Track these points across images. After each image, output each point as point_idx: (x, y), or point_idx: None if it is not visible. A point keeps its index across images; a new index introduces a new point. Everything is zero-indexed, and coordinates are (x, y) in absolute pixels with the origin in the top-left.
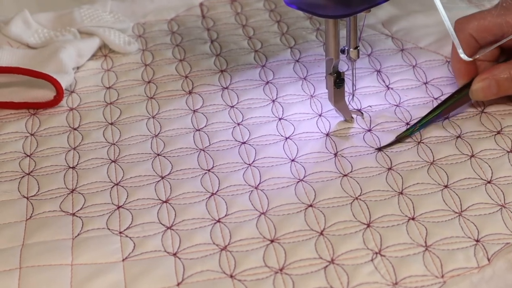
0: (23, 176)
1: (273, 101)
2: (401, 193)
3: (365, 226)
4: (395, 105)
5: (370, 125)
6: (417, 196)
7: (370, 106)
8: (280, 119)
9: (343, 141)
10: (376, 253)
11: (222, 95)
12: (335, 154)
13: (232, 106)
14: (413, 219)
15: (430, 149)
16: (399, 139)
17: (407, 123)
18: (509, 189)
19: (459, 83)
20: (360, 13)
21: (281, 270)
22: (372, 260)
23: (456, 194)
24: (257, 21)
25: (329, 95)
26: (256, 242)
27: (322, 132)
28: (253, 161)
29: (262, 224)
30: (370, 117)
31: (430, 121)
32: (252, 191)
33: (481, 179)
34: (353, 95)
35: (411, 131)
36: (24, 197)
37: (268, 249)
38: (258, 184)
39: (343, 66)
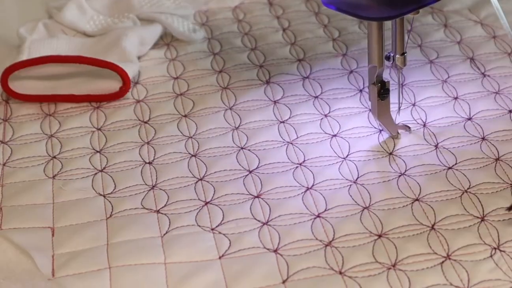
0: (96, 173)
1: (360, 91)
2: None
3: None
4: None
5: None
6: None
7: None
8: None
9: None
10: (495, 248)
11: (303, 84)
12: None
13: (316, 97)
14: None
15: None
16: None
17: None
18: None
19: None
20: (407, 15)
21: (394, 266)
22: (491, 256)
23: None
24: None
25: (372, 108)
26: (363, 237)
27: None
28: (348, 155)
29: (367, 219)
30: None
31: None
32: (351, 185)
33: None
34: (399, 108)
35: None
36: (100, 194)
37: (377, 245)
38: (357, 179)
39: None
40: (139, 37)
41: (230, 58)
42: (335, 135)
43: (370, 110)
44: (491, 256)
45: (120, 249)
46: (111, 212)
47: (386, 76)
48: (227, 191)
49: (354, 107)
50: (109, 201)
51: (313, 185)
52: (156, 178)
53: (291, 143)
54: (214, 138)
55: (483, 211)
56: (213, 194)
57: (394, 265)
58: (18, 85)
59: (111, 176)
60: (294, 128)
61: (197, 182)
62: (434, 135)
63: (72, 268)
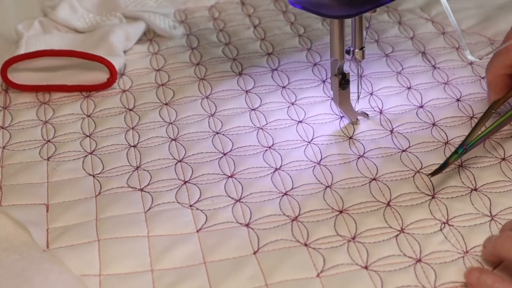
0: (86, 156)
1: (323, 81)
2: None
3: (431, 196)
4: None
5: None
6: None
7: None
8: (331, 98)
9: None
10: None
11: (272, 76)
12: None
13: (284, 87)
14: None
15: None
16: (449, 163)
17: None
18: None
19: (492, 97)
20: (366, 13)
21: (353, 238)
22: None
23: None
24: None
25: (334, 96)
26: (326, 213)
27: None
28: (312, 139)
29: (329, 196)
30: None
31: (479, 142)
32: (315, 166)
33: None
34: (358, 97)
35: (461, 153)
36: (90, 175)
37: (338, 219)
38: (320, 160)
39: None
40: (125, 33)
41: (207, 52)
42: (300, 121)
43: (332, 98)
44: (440, 229)
45: (108, 224)
46: (100, 190)
47: (346, 68)
48: (204, 171)
49: (318, 96)
50: (98, 181)
51: (281, 166)
52: (140, 160)
53: (261, 128)
54: (192, 124)
55: (433, 189)
56: (191, 174)
57: (353, 238)
58: (16, 76)
59: (99, 158)
60: (264, 115)
61: (176, 163)
62: (390, 121)
63: (64, 241)
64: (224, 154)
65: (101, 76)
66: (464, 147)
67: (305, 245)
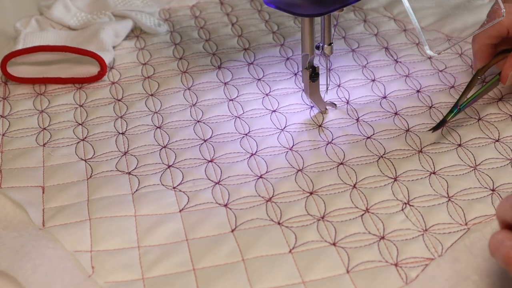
0: (79, 142)
1: (295, 74)
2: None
3: (393, 180)
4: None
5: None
6: (436, 154)
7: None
8: (302, 90)
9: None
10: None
11: (249, 69)
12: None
13: (259, 79)
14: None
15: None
16: (446, 121)
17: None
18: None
19: (478, 65)
20: (334, 12)
21: (322, 217)
22: (402, 209)
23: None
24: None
25: (305, 88)
26: (297, 194)
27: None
28: (285, 127)
29: (300, 179)
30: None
31: (469, 103)
32: (287, 152)
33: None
34: (327, 89)
35: (455, 112)
36: (82, 159)
37: (309, 200)
38: (292, 146)
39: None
40: (114, 30)
41: (189, 48)
42: (274, 111)
43: (303, 90)
44: (402, 209)
45: (98, 204)
46: (91, 174)
47: (316, 62)
48: (186, 156)
49: (290, 88)
50: (89, 165)
51: (256, 152)
52: (128, 146)
53: (239, 117)
54: (175, 113)
55: (395, 172)
56: (175, 159)
57: (323, 217)
58: (15, 70)
59: (91, 144)
60: (241, 105)
61: (161, 149)
62: (356, 110)
63: (59, 220)
64: (205, 141)
65: (92, 69)
66: (458, 107)
67: (279, 223)
